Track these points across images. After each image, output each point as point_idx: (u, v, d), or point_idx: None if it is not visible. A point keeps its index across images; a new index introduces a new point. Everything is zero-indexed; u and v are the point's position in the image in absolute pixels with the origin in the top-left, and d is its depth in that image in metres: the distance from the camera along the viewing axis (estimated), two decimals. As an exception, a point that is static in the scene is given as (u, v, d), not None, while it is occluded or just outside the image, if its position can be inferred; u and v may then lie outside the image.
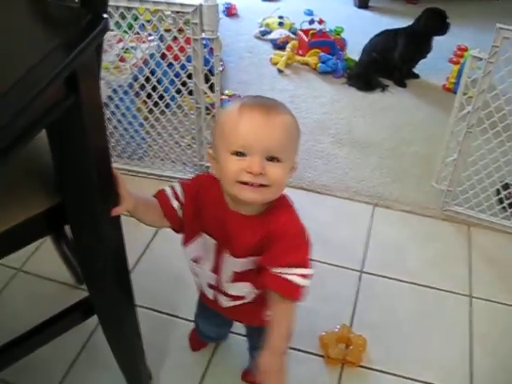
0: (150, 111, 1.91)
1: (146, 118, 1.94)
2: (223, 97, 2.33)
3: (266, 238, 0.97)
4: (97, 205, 0.95)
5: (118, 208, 0.97)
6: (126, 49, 1.88)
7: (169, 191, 1.05)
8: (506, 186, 1.88)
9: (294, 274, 0.95)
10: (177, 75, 1.79)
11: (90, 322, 1.29)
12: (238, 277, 1.05)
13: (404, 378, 1.45)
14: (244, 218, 0.98)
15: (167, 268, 1.69)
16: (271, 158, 0.91)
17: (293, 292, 0.96)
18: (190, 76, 1.78)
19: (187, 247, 1.09)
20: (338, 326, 1.53)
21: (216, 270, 1.07)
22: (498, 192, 1.89)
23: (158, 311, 1.58)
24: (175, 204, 1.05)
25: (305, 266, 0.97)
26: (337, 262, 1.74)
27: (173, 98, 1.85)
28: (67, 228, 1.06)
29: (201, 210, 1.03)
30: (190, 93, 1.81)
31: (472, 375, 1.46)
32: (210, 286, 1.13)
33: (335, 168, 2.08)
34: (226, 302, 1.13)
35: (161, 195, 1.06)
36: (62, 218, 1.01)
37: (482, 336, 1.56)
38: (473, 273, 1.74)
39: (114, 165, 0.98)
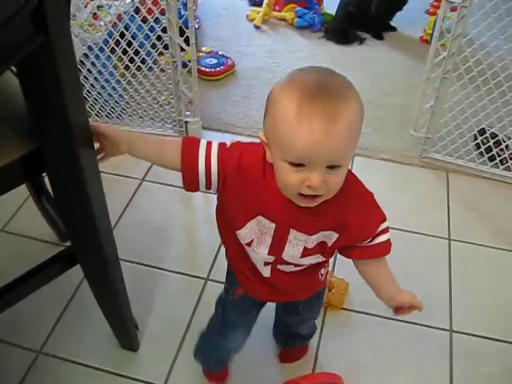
0: (127, 68, 1.89)
1: (122, 75, 1.93)
2: (200, 54, 2.32)
3: (340, 217, 0.90)
4: (75, 150, 0.95)
5: (110, 150, 0.94)
6: (100, 6, 1.86)
7: (203, 149, 0.90)
8: (482, 131, 1.90)
9: (380, 235, 0.95)
10: (151, 30, 1.77)
11: (75, 276, 1.30)
12: (308, 252, 0.95)
13: (386, 318, 1.48)
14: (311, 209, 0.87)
15: (149, 222, 1.71)
16: (332, 167, 0.79)
17: (386, 250, 0.97)
18: (164, 30, 1.76)
19: (239, 231, 0.95)
20: (321, 271, 1.55)
21: (276, 251, 0.96)
22: (476, 138, 1.92)
23: (142, 264, 1.60)
24: (201, 167, 0.90)
25: (384, 221, 0.95)
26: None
27: (148, 54, 1.84)
28: (48, 184, 1.05)
29: (249, 193, 0.90)
30: (166, 47, 1.79)
31: (451, 313, 1.50)
32: (266, 264, 1.00)
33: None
34: (287, 268, 1.00)
35: (190, 142, 0.92)
36: (40, 165, 1.01)
37: (461, 276, 1.59)
38: (451, 216, 1.77)
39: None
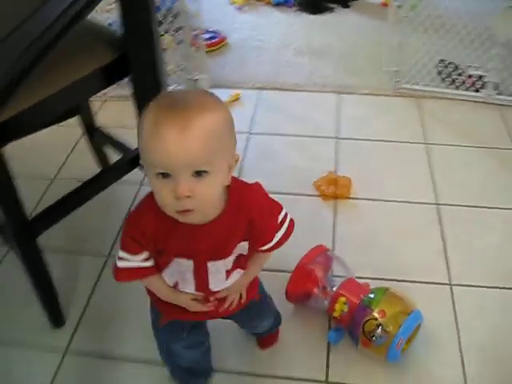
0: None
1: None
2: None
3: (247, 225, 0.97)
4: (155, 54, 1.31)
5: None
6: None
7: (132, 264, 0.99)
8: (441, 61, 2.30)
9: (282, 226, 1.04)
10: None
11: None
12: (230, 272, 1.02)
13: (385, 200, 1.86)
14: (213, 224, 0.92)
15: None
16: (199, 173, 0.82)
17: (288, 237, 1.06)
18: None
19: (163, 274, 1.02)
20: (326, 173, 1.93)
21: (202, 286, 1.03)
22: (437, 67, 2.32)
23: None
24: (149, 263, 1.00)
25: (281, 211, 1.04)
26: (314, 133, 2.14)
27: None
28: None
29: (163, 243, 0.95)
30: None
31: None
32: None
33: (302, 71, 2.48)
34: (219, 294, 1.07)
35: (132, 274, 1.01)
36: (124, 70, 1.36)
37: (440, 170, 1.98)
38: (424, 128, 2.16)
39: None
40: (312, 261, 1.45)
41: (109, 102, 2.38)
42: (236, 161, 0.90)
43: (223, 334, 1.44)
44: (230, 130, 0.86)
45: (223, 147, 0.84)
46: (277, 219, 1.02)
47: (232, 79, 2.45)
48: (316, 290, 1.45)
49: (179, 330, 1.16)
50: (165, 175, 0.82)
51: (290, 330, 1.49)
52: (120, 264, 0.99)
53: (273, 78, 2.43)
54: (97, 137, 1.82)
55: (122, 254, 0.98)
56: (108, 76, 1.36)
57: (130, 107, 1.53)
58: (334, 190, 1.86)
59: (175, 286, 1.03)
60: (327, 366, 1.42)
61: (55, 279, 1.49)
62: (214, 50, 2.66)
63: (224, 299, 1.08)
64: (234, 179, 0.94)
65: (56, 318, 1.53)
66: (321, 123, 2.21)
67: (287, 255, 1.40)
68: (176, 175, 0.81)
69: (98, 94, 2.21)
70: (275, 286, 1.50)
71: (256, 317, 1.27)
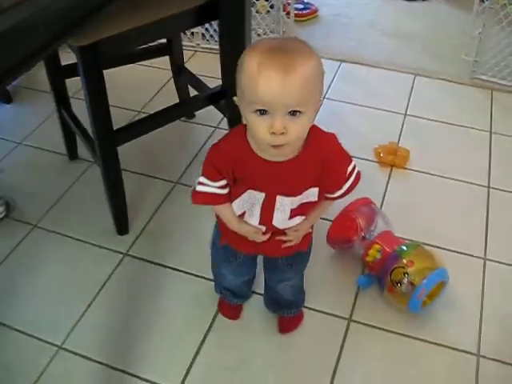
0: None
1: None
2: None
3: (320, 169, 1.05)
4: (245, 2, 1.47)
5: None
6: None
7: (210, 189, 1.09)
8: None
9: (350, 178, 1.11)
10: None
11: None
12: (295, 212, 1.11)
13: (439, 176, 1.95)
14: (290, 163, 1.02)
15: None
16: (293, 112, 0.91)
17: (354, 187, 1.14)
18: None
19: (233, 204, 1.12)
20: (388, 142, 2.04)
21: (265, 220, 1.12)
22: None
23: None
24: (225, 191, 1.10)
25: (350, 162, 1.11)
26: (385, 107, 2.26)
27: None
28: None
29: (241, 172, 1.05)
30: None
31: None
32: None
33: (384, 50, 2.58)
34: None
35: (208, 198, 1.10)
36: (214, 14, 1.53)
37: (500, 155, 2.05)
38: (493, 120, 2.22)
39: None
40: (356, 209, 1.58)
41: (199, 53, 2.57)
42: (319, 108, 0.98)
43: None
44: (321, 76, 0.95)
45: (315, 92, 0.94)
46: (346, 169, 1.09)
47: (316, 48, 2.56)
48: (355, 238, 1.58)
49: (232, 257, 1.29)
50: (262, 112, 0.91)
51: (326, 271, 1.64)
52: (199, 188, 1.09)
53: (355, 53, 2.55)
54: (183, 76, 2.00)
55: (202, 179, 1.08)
56: (200, 16, 1.52)
57: (217, 60, 1.70)
58: (392, 158, 1.97)
59: (241, 216, 1.13)
60: (353, 307, 1.55)
61: (127, 195, 1.70)
62: (304, 21, 2.80)
63: (280, 239, 1.18)
64: (314, 126, 1.02)
65: (122, 226, 1.74)
66: (393, 99, 2.31)
67: (332, 205, 1.55)
68: (274, 113, 0.90)
69: (191, 44, 2.44)
70: (316, 233, 1.64)
71: (294, 265, 1.30)
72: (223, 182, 1.07)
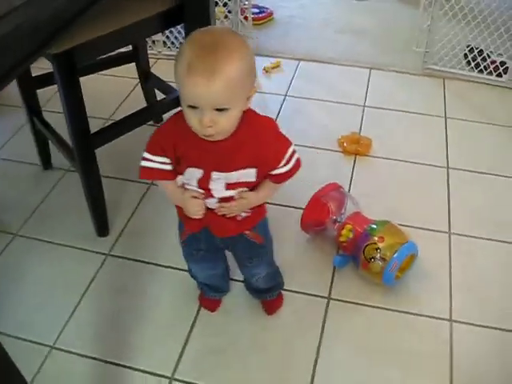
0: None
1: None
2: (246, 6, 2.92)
3: (255, 149, 1.10)
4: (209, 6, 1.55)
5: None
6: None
7: (154, 164, 1.14)
8: (468, 46, 2.49)
9: (291, 159, 1.15)
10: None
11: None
12: (232, 186, 1.15)
13: (400, 160, 2.06)
14: (223, 142, 1.07)
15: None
16: (220, 109, 0.98)
17: (297, 169, 1.19)
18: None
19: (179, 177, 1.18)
20: (350, 132, 2.14)
21: (204, 185, 1.15)
22: (466, 55, 2.50)
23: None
24: (168, 167, 1.15)
25: (290, 145, 1.15)
26: (344, 101, 2.37)
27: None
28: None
29: (182, 150, 1.11)
30: None
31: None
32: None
33: (339, 47, 2.70)
34: (214, 204, 1.19)
35: (153, 173, 1.16)
36: (180, 18, 1.61)
37: (455, 140, 2.18)
38: (447, 106, 2.35)
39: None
40: (327, 194, 1.67)
41: (161, 60, 2.64)
42: (254, 92, 1.06)
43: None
44: (250, 70, 1.02)
45: (243, 87, 1.00)
46: (285, 151, 1.14)
47: (274, 49, 2.68)
48: (328, 221, 1.67)
49: (194, 250, 1.36)
50: (193, 107, 0.99)
51: (302, 255, 1.72)
52: (143, 163, 1.14)
53: (312, 51, 2.66)
54: (151, 81, 2.07)
55: (146, 154, 1.14)
56: (165, 21, 1.59)
57: None
58: (355, 147, 2.07)
59: (182, 186, 1.18)
60: (331, 286, 1.64)
61: (105, 198, 1.75)
62: (260, 24, 2.89)
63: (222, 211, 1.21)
64: (250, 110, 1.09)
65: (102, 228, 1.79)
66: (351, 93, 2.42)
67: (303, 194, 1.67)
68: (203, 109, 0.98)
69: (153, 52, 2.51)
70: (290, 221, 1.74)
71: (254, 258, 1.37)
72: (165, 159, 1.13)
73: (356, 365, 1.45)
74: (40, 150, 2.00)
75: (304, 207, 1.69)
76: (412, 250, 1.56)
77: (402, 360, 1.46)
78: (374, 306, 1.59)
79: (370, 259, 1.54)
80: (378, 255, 1.53)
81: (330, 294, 1.62)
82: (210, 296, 1.56)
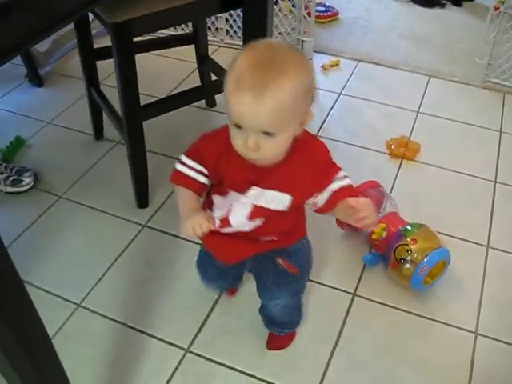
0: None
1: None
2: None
3: (303, 176, 1.01)
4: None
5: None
6: None
7: (189, 171, 1.05)
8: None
9: (341, 179, 1.03)
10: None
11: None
12: (256, 212, 1.04)
13: (447, 169, 2.03)
14: (275, 169, 0.99)
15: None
16: (267, 133, 0.89)
17: (353, 191, 1.03)
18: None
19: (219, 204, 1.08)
20: (400, 136, 2.12)
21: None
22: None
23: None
24: (202, 179, 1.06)
25: (340, 170, 1.04)
26: (398, 104, 2.35)
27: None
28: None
29: (224, 167, 1.02)
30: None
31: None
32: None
33: (400, 52, 2.67)
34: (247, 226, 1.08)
35: (185, 180, 1.06)
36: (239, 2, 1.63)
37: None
38: (503, 121, 2.29)
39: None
40: (365, 191, 1.66)
41: (222, 48, 2.68)
42: (307, 119, 0.95)
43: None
44: (305, 93, 0.91)
45: (295, 112, 0.90)
46: (333, 174, 1.02)
47: (335, 48, 2.68)
48: (363, 218, 1.65)
49: (209, 267, 1.31)
50: (238, 126, 0.90)
51: (334, 249, 1.72)
52: (178, 166, 1.06)
53: (373, 53, 2.65)
54: (207, 65, 2.11)
55: (183, 157, 1.06)
56: (223, 3, 1.62)
57: None
58: (403, 150, 2.05)
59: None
60: (358, 283, 1.63)
61: (148, 173, 1.81)
62: (325, 22, 2.90)
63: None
64: (304, 133, 0.99)
65: (142, 200, 1.84)
66: (406, 98, 2.40)
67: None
68: (248, 130, 0.89)
69: (215, 40, 2.55)
70: (325, 218, 1.73)
71: (282, 286, 1.22)
72: (202, 169, 1.04)
73: (370, 364, 1.44)
74: (94, 121, 2.07)
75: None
76: (444, 257, 1.54)
77: (419, 366, 1.44)
78: (398, 309, 1.57)
79: (400, 260, 1.53)
80: (409, 257, 1.52)
81: (355, 290, 1.61)
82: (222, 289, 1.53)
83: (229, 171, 1.01)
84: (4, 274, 0.81)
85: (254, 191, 1.00)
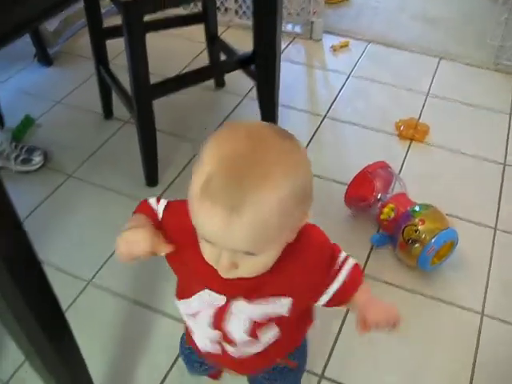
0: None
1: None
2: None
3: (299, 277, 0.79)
4: None
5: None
6: None
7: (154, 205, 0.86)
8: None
9: (342, 272, 0.83)
10: None
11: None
12: (258, 327, 0.83)
13: (456, 151, 2.03)
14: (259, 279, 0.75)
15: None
16: (246, 252, 0.68)
17: (356, 284, 0.84)
18: None
19: (183, 301, 0.86)
20: (409, 117, 2.12)
21: (217, 324, 0.84)
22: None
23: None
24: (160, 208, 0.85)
25: (339, 252, 0.86)
26: (408, 86, 2.34)
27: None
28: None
29: (188, 257, 0.78)
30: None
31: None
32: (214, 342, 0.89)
33: (411, 33, 2.65)
34: (239, 352, 0.88)
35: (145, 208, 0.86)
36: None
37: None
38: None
39: None
40: (374, 171, 1.66)
41: (232, 29, 2.67)
42: (306, 220, 0.73)
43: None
44: (299, 200, 0.67)
45: (283, 227, 0.68)
46: (335, 261, 0.84)
47: (345, 29, 2.67)
48: (371, 198, 1.66)
49: (195, 364, 1.10)
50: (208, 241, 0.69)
51: (341, 229, 1.74)
52: (151, 199, 0.87)
53: (383, 34, 2.63)
54: (216, 44, 2.11)
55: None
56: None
57: (248, 36, 1.83)
58: (412, 132, 2.05)
59: (194, 315, 0.86)
60: (366, 262, 1.64)
61: (157, 151, 1.81)
62: (334, 3, 2.88)
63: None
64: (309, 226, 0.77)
65: (152, 178, 1.85)
66: (416, 80, 2.39)
67: (351, 171, 1.68)
68: (220, 249, 0.68)
69: (225, 20, 2.53)
70: (336, 195, 1.75)
71: (278, 380, 1.03)
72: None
73: (378, 342, 1.45)
74: (103, 100, 2.07)
75: (348, 183, 1.70)
76: (452, 238, 1.54)
77: (423, 345, 1.46)
78: (406, 289, 1.58)
79: (408, 240, 1.54)
80: (417, 237, 1.52)
81: (363, 270, 1.61)
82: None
83: (196, 262, 0.75)
84: (20, 246, 0.82)
85: (239, 307, 0.81)
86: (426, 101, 2.26)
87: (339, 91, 2.30)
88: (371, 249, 1.67)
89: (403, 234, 1.55)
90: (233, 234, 0.64)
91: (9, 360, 1.39)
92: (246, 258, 0.68)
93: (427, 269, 1.56)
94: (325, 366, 1.41)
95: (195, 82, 1.78)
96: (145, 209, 0.85)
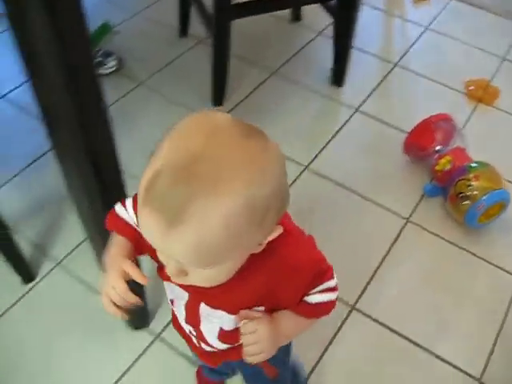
0: None
1: None
2: None
3: (267, 291, 0.71)
4: None
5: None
6: None
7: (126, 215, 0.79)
8: None
9: (321, 292, 0.75)
10: None
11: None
12: (226, 334, 0.78)
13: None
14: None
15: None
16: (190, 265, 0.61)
17: (326, 311, 0.78)
18: None
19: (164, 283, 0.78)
20: (480, 78, 2.09)
21: (193, 321, 0.79)
22: None
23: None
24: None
25: (330, 278, 0.75)
26: (485, 48, 2.30)
27: None
28: None
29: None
30: None
31: None
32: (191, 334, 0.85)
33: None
34: (208, 348, 0.84)
35: (117, 224, 0.79)
36: None
37: None
38: None
39: None
40: (437, 122, 1.67)
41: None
42: (277, 233, 0.64)
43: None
44: (255, 216, 0.57)
45: (232, 248, 0.58)
46: (324, 279, 0.74)
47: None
48: (430, 148, 1.67)
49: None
50: None
51: (396, 173, 1.77)
52: (118, 207, 0.79)
53: None
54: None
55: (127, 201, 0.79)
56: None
57: None
58: (481, 93, 2.03)
59: (171, 302, 0.81)
60: (413, 210, 1.67)
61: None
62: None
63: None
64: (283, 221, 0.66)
65: (218, 97, 1.92)
66: (494, 42, 2.34)
67: (411, 121, 1.69)
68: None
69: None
70: (395, 141, 1.76)
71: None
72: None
73: (413, 286, 1.50)
74: (182, 16, 2.12)
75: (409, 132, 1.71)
76: (503, 198, 1.55)
77: (457, 297, 1.49)
78: (450, 242, 1.61)
79: (459, 194, 1.55)
80: (468, 192, 1.54)
81: (410, 216, 1.65)
82: (210, 377, 1.20)
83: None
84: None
85: (208, 312, 0.75)
86: (501, 65, 2.22)
87: (414, 42, 2.28)
88: (422, 197, 1.69)
89: (455, 187, 1.56)
90: (171, 247, 0.56)
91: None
92: (194, 268, 0.60)
93: (473, 225, 1.58)
94: (358, 298, 1.46)
95: (275, 9, 1.80)
96: (117, 225, 0.78)
